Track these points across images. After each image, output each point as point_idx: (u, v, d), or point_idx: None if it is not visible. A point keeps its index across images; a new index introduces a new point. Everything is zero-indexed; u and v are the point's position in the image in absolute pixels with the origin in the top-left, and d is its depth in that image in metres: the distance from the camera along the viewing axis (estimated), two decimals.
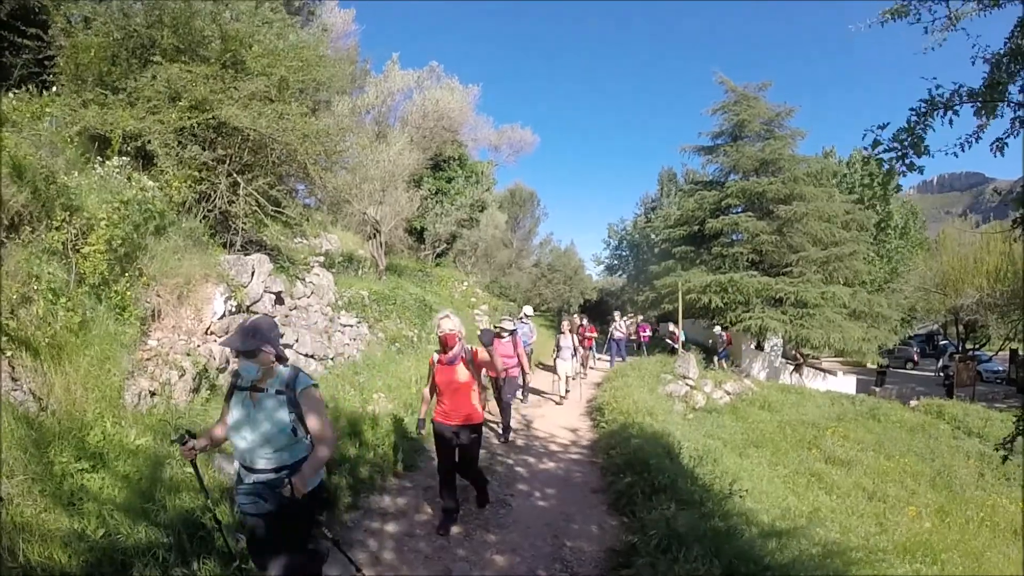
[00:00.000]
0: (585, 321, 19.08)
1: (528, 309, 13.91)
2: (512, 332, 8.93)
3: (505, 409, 9.01)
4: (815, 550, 6.01)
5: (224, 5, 8.77)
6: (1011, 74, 4.75)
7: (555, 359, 13.35)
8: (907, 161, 4.95)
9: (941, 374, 26.96)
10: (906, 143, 4.90)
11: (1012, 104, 4.77)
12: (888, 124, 4.99)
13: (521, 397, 11.97)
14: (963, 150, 4.96)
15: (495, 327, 9.04)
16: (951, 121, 4.92)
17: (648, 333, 24.17)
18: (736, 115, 24.30)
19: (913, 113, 4.91)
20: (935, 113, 4.85)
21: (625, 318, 22.76)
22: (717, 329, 21.21)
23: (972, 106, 4.84)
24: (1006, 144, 4.91)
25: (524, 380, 11.53)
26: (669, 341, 22.86)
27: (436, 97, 24.65)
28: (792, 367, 23.76)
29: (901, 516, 9.85)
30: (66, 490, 3.73)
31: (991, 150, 5.05)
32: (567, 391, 13.14)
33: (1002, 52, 4.84)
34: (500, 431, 9.18)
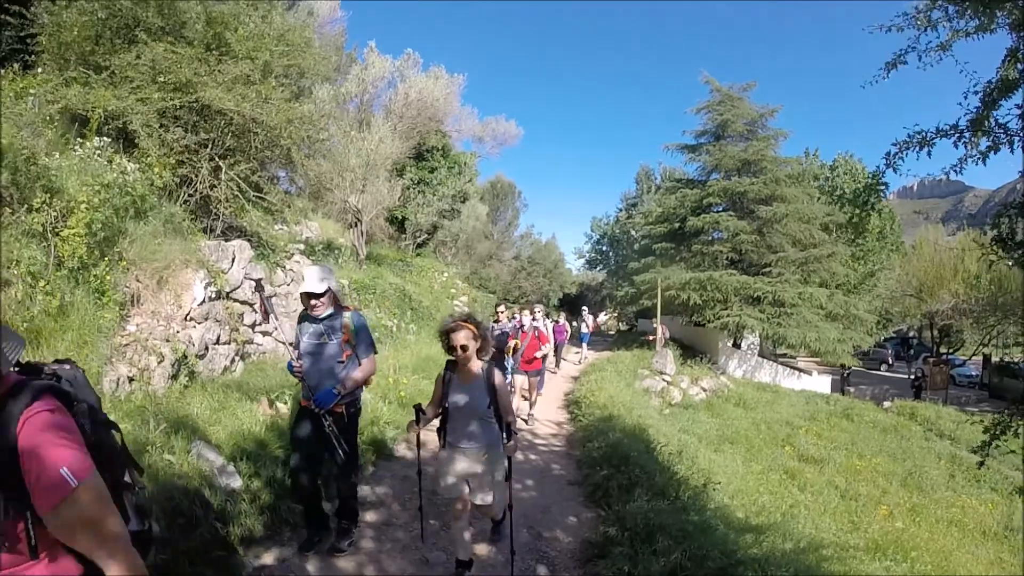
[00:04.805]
0: (540, 316, 10.77)
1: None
2: None
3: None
4: (788, 546, 6.10)
5: None
6: (994, 102, 4.91)
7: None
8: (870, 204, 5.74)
9: (913, 376, 27.51)
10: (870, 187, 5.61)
11: (993, 131, 4.94)
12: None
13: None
14: (948, 177, 5.28)
15: None
16: (929, 153, 5.27)
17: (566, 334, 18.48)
18: (720, 115, 24.51)
19: (884, 159, 5.36)
20: (907, 153, 5.29)
21: (604, 312, 22.83)
22: (585, 310, 22.18)
23: (950, 139, 5.08)
24: (987, 156, 5.07)
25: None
26: (650, 338, 22.08)
27: (420, 86, 24.52)
28: (657, 340, 20.52)
29: (873, 515, 10.02)
30: None
31: (974, 162, 5.24)
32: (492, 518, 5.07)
33: (992, 82, 4.96)
34: None
